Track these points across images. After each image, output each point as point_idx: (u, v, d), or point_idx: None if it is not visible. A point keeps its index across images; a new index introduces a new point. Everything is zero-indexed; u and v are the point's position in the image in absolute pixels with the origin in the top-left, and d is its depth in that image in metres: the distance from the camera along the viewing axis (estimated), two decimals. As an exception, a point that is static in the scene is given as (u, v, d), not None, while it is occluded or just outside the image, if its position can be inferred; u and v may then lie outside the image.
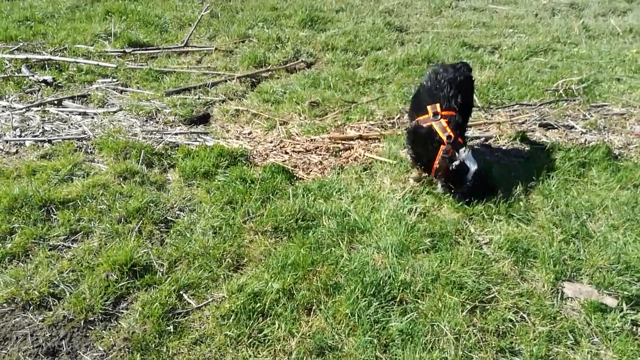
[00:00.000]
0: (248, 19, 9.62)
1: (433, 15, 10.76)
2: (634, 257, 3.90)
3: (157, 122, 6.33)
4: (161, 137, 5.92)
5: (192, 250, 4.16)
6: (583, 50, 8.49)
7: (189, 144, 5.80)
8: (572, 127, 5.95)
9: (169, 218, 4.62)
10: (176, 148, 5.74)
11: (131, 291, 3.77)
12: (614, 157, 5.33)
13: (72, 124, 6.19)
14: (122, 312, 3.62)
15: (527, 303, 3.63)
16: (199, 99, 6.93)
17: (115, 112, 6.45)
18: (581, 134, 5.78)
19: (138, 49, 8.34)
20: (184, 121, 6.41)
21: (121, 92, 7.07)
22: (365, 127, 6.01)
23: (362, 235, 4.27)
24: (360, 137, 5.75)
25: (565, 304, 3.63)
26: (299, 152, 5.63)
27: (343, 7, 10.72)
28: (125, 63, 7.83)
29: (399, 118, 6.21)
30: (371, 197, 4.77)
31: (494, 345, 3.32)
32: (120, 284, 3.77)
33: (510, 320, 3.50)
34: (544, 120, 6.17)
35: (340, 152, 5.60)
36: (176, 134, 6.06)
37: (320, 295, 3.68)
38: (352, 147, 5.62)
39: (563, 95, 6.83)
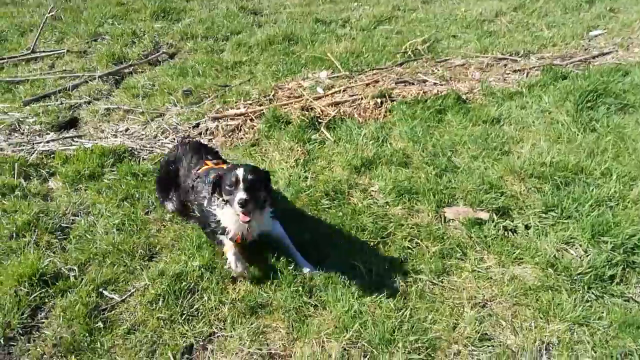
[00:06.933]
0: (95, 17, 9.18)
1: (282, -5, 11.13)
2: (494, 178, 4.66)
3: (22, 134, 5.94)
4: (32, 148, 5.60)
5: (100, 250, 4.12)
6: (421, 14, 9.45)
7: (65, 150, 5.56)
8: (425, 81, 6.72)
9: (64, 225, 4.48)
10: (52, 156, 5.48)
11: (46, 300, 3.68)
12: (463, 101, 6.17)
13: None
14: (43, 322, 3.53)
15: (419, 231, 4.20)
16: (61, 104, 6.59)
17: (-29, 130, 5.93)
18: (434, 85, 6.56)
19: (-22, 61, 7.61)
20: (52, 128, 6.09)
21: (-29, 108, 6.47)
22: (244, 106, 6.21)
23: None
24: (243, 115, 5.97)
25: (449, 225, 4.26)
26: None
27: (192, -4, 10.65)
28: (-32, 78, 7.14)
29: (274, 94, 6.50)
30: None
31: (399, 269, 3.82)
32: (33, 296, 3.65)
33: (409, 248, 4.04)
34: (401, 78, 6.87)
35: (227, 134, 5.76)
36: (48, 141, 5.75)
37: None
38: (238, 127, 5.81)
39: (412, 55, 7.61)
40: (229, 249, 3.78)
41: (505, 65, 7.18)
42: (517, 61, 7.25)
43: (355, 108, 6.13)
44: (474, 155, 5.07)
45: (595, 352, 3.22)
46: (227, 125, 5.91)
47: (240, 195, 3.47)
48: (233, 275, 3.76)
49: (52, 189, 5.03)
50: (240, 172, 3.58)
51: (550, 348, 3.28)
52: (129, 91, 6.86)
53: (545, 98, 6.01)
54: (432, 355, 3.24)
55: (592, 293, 3.58)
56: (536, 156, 4.92)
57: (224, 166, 4.12)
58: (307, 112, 5.95)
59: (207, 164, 4.20)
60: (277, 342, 3.37)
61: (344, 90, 6.53)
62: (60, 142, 5.76)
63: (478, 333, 3.33)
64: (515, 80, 6.71)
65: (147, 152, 5.57)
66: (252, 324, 3.46)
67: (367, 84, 6.66)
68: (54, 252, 4.15)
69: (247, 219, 3.55)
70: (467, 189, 4.53)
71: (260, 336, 3.40)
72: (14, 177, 5.03)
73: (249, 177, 3.56)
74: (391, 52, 7.78)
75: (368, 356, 3.23)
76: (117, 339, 3.40)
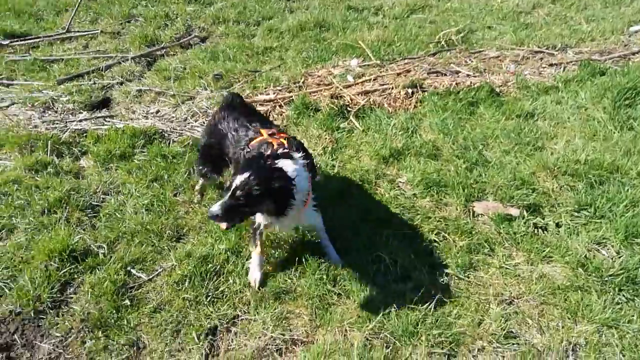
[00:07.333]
0: (130, -1, 9.27)
1: (315, -18, 11.03)
2: (526, 174, 4.56)
3: (56, 112, 6.05)
4: (65, 126, 5.70)
5: (129, 229, 4.18)
6: (455, 4, 9.25)
7: (97, 129, 5.65)
8: (458, 72, 6.60)
9: (94, 203, 4.56)
10: (84, 134, 5.58)
11: (76, 276, 3.76)
12: (497, 94, 6.04)
13: (-41, 123, 5.74)
14: (72, 297, 3.62)
15: (446, 225, 4.14)
16: (94, 83, 6.68)
17: (7, 106, 6.07)
18: (467, 76, 6.44)
19: (16, 39, 7.74)
20: (85, 107, 6.18)
21: (7, 86, 6.61)
22: (274, 92, 6.21)
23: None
24: (272, 101, 5.97)
25: (478, 220, 4.20)
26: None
27: (226, -20, 10.65)
28: (5, 56, 7.28)
29: (304, 81, 6.47)
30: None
31: (425, 262, 3.78)
32: (62, 271, 3.74)
33: (435, 241, 3.99)
34: (433, 68, 6.76)
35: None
36: (80, 120, 5.85)
37: (267, 248, 3.92)
38: (267, 113, 5.81)
39: (445, 45, 7.48)
40: (257, 252, 3.70)
41: (541, 58, 6.99)
42: (554, 55, 7.06)
43: (385, 97, 6.07)
44: (506, 149, 4.97)
45: (623, 356, 3.15)
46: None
47: (214, 206, 3.06)
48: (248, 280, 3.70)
49: (83, 167, 5.13)
50: (237, 180, 3.04)
51: (577, 349, 3.22)
52: (161, 73, 6.92)
53: (582, 94, 5.84)
54: (456, 350, 3.21)
55: (623, 295, 3.49)
56: (570, 153, 4.80)
57: (283, 137, 3.64)
58: (336, 100, 5.91)
59: (261, 133, 3.71)
60: (299, 328, 3.38)
61: (374, 79, 6.46)
62: (93, 122, 5.85)
63: (503, 330, 3.29)
64: (551, 74, 6.53)
65: (177, 134, 5.62)
66: (275, 309, 3.48)
67: (398, 74, 6.58)
68: (84, 229, 4.24)
69: (224, 227, 3.24)
70: (498, 184, 4.45)
71: (284, 321, 3.42)
72: (47, 154, 5.13)
73: (239, 192, 3.02)
74: (424, 41, 7.65)
75: (390, 347, 3.22)
76: (143, 317, 3.46)
